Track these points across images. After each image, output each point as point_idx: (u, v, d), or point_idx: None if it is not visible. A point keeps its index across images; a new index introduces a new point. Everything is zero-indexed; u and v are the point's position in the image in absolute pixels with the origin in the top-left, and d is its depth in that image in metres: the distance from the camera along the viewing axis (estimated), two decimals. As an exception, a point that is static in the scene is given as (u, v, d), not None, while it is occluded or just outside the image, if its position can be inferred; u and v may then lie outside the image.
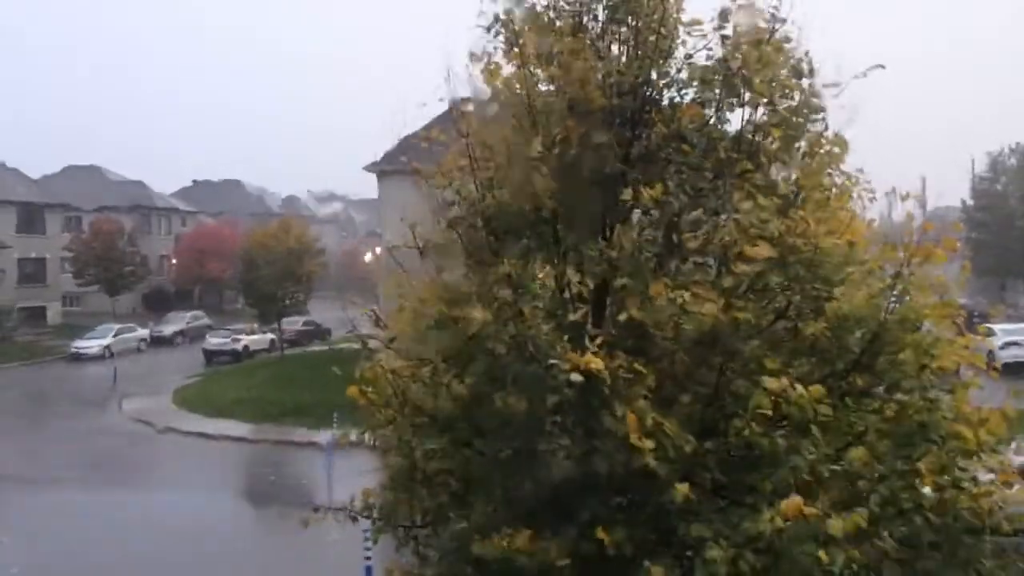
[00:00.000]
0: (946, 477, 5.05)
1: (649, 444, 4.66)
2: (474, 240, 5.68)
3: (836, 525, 4.41)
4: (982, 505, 5.01)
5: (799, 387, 4.75)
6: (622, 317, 5.02)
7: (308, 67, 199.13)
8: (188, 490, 21.85)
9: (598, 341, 4.87)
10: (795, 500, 4.42)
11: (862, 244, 5.54)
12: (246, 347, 45.52)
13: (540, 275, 5.45)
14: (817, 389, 4.78)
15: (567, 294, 5.44)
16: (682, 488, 4.67)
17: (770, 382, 4.79)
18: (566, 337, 5.02)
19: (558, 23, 5.86)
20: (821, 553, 4.38)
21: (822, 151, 5.79)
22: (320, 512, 6.22)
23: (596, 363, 4.70)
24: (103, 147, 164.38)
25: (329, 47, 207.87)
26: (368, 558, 12.84)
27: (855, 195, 5.84)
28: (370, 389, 5.76)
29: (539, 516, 5.11)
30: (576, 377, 4.73)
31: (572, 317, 5.18)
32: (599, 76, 5.54)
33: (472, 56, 5.83)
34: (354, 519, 6.23)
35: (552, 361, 4.88)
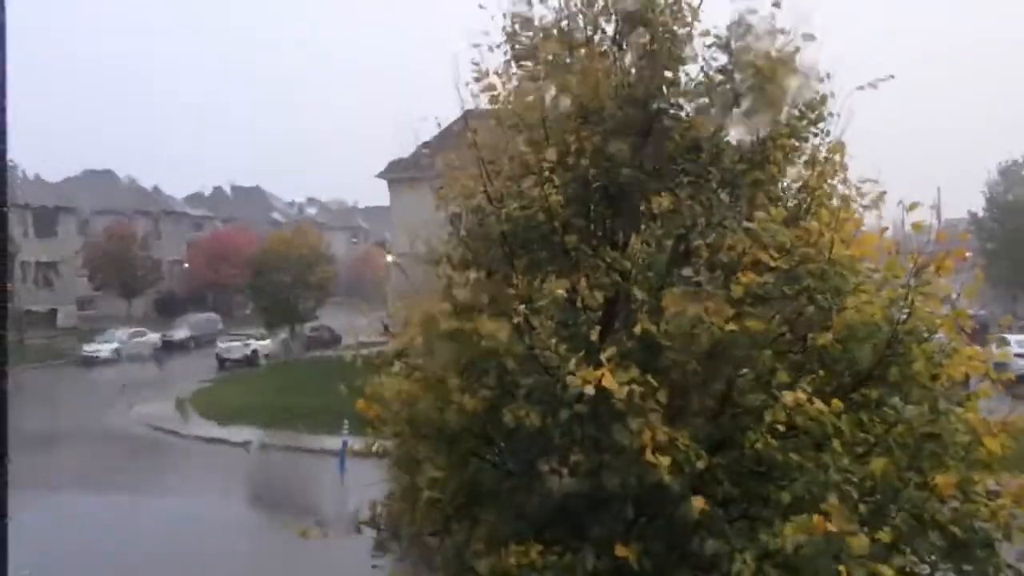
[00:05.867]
0: (963, 490, 5.03)
1: (664, 460, 4.60)
2: (485, 252, 5.68)
3: (860, 543, 4.37)
4: (999, 519, 4.99)
5: (817, 401, 4.71)
6: (636, 329, 4.97)
7: (320, 72, 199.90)
8: (196, 495, 21.91)
9: (609, 354, 4.81)
10: (818, 518, 4.38)
11: (872, 254, 5.53)
12: (255, 352, 45.69)
13: (551, 287, 5.41)
14: (837, 403, 4.76)
15: (579, 305, 5.43)
16: (697, 503, 4.62)
17: (786, 396, 4.74)
18: (580, 352, 4.96)
19: (576, 34, 5.88)
20: (842, 568, 4.34)
21: (828, 159, 5.80)
22: (325, 523, 6.21)
23: (608, 380, 4.64)
24: (119, 152, 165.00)
25: (340, 51, 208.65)
26: (375, 566, 12.84)
27: (865, 204, 5.85)
28: (377, 403, 5.75)
29: (549, 531, 5.07)
30: (588, 391, 4.67)
31: (584, 330, 5.14)
32: (612, 86, 5.55)
33: (483, 68, 5.87)
34: (359, 530, 6.23)
35: (565, 375, 4.82)
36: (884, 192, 5.82)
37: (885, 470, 4.83)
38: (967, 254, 5.62)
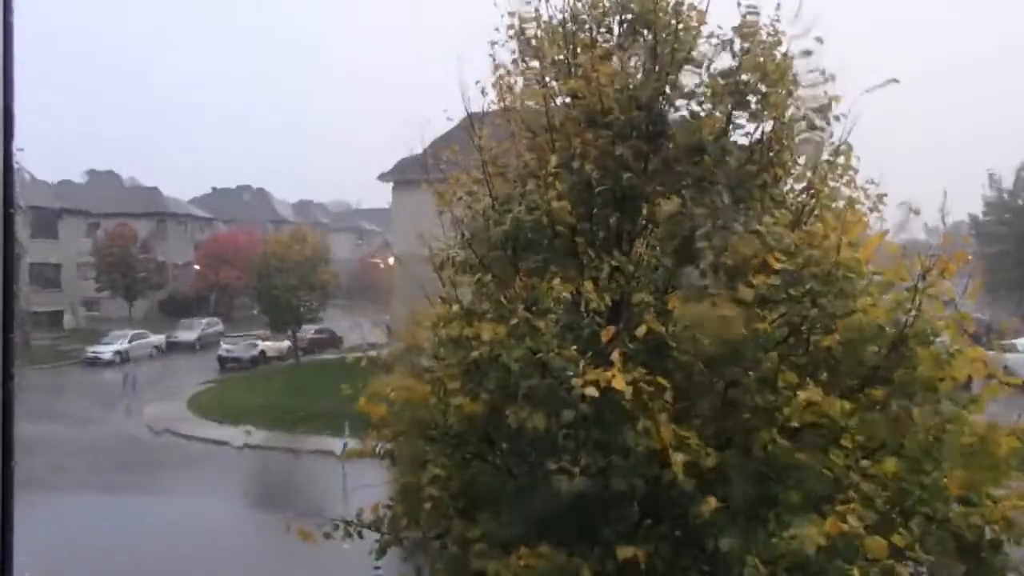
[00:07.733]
0: (970, 492, 5.02)
1: (681, 457, 4.59)
2: (490, 255, 5.67)
3: (878, 544, 4.37)
4: (1007, 519, 4.97)
5: (832, 397, 4.71)
6: (640, 331, 4.96)
7: (320, 72, 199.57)
8: (199, 496, 21.92)
9: (617, 355, 4.79)
10: (832, 519, 4.38)
11: (876, 257, 5.52)
12: (262, 352, 45.75)
13: (557, 289, 5.40)
14: (844, 404, 4.75)
15: (584, 308, 5.42)
16: (710, 502, 4.60)
17: (803, 393, 4.74)
18: (588, 353, 4.94)
19: (580, 35, 5.87)
20: (856, 571, 4.33)
21: (831, 162, 5.79)
22: (327, 525, 6.20)
23: (618, 381, 4.62)
24: (120, 153, 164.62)
25: (340, 51, 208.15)
26: (377, 567, 12.81)
27: (870, 207, 5.83)
28: (380, 403, 5.74)
29: (551, 534, 5.05)
30: (591, 391, 4.65)
31: (588, 332, 5.12)
32: (617, 88, 5.54)
33: (488, 70, 5.87)
34: (359, 534, 6.21)
35: (569, 375, 4.81)
36: (884, 195, 5.81)
37: (895, 469, 4.81)
38: (969, 257, 5.62)
